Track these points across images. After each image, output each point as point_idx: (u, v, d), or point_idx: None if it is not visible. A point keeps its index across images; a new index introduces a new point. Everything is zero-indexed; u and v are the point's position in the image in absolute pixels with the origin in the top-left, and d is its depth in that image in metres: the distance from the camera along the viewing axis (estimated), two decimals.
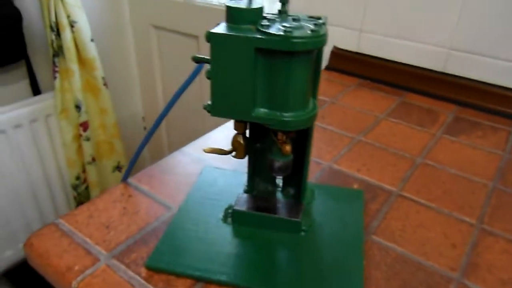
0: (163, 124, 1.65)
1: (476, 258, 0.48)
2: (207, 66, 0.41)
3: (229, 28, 0.38)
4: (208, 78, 0.39)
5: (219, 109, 0.40)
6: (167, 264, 0.44)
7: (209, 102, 0.41)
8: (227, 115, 0.41)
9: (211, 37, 0.37)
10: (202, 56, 0.41)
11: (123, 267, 0.44)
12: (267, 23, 0.37)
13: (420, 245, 0.49)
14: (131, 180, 0.58)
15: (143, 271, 0.44)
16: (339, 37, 0.96)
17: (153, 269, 0.44)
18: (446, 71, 0.85)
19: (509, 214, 0.55)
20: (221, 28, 0.38)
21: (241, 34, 0.36)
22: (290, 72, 0.38)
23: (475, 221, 0.53)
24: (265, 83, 0.39)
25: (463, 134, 0.74)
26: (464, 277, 0.45)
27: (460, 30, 0.81)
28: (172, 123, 1.63)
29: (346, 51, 0.96)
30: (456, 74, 0.84)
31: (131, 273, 0.43)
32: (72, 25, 1.25)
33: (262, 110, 0.40)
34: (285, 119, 0.40)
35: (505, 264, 0.47)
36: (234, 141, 0.46)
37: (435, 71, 0.86)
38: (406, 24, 0.86)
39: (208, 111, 0.41)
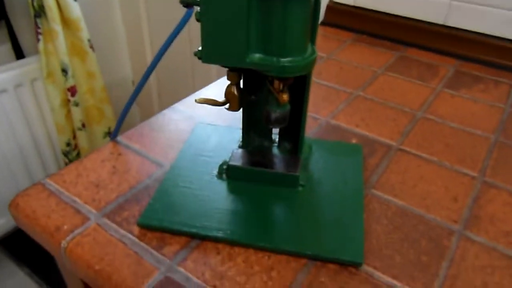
0: (154, 85, 1.61)
1: (478, 210, 0.46)
2: (197, 9, 0.37)
3: None
4: (198, 20, 0.36)
5: (210, 54, 0.37)
6: (161, 222, 0.42)
7: (200, 48, 0.38)
8: (219, 61, 0.38)
9: None
10: None
11: (114, 225, 0.42)
12: None
13: (421, 198, 0.48)
14: (120, 138, 0.55)
15: (136, 229, 0.42)
16: None
17: (146, 226, 0.42)
18: (447, 24, 0.82)
19: (511, 167, 0.53)
20: None
21: None
22: (287, 11, 0.34)
23: (477, 174, 0.52)
24: (260, 25, 0.36)
25: (464, 88, 0.71)
26: (466, 229, 0.44)
27: None
28: (162, 84, 1.59)
29: (343, 4, 0.91)
30: (458, 26, 0.81)
31: (123, 232, 0.42)
32: None
33: (257, 55, 0.37)
34: (281, 64, 0.37)
35: (508, 216, 0.46)
36: (228, 93, 0.43)
37: (436, 24, 0.83)
38: None
39: (199, 58, 0.38)
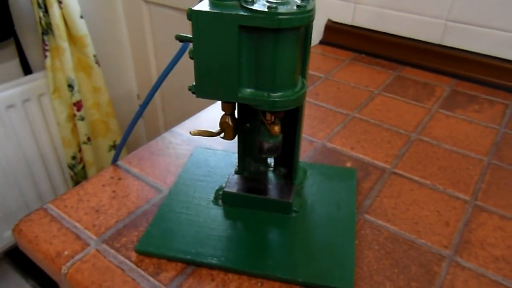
0: (159, 104, 1.63)
1: (469, 235, 0.47)
2: (191, 45, 0.39)
3: (212, 4, 0.36)
4: (191, 58, 0.38)
5: (204, 90, 0.39)
6: (157, 248, 0.43)
7: (194, 83, 0.39)
8: (212, 97, 0.39)
9: (193, 15, 0.35)
10: (185, 35, 0.40)
11: (113, 251, 0.44)
12: None
13: (413, 223, 0.49)
14: (121, 162, 0.57)
15: (133, 255, 0.43)
16: (333, 10, 0.93)
17: (144, 253, 0.43)
18: (444, 44, 0.83)
19: (503, 190, 0.54)
20: (203, 5, 0.36)
21: (224, 11, 0.34)
22: (276, 50, 0.36)
23: (469, 198, 0.53)
24: (250, 62, 0.37)
25: (459, 108, 0.72)
26: (456, 254, 0.45)
27: (457, 0, 0.78)
28: (168, 103, 1.61)
29: (341, 24, 0.93)
30: (454, 46, 0.82)
31: (121, 258, 0.43)
32: (60, 1, 1.21)
33: (249, 90, 0.39)
34: (272, 99, 0.38)
35: (498, 241, 0.47)
36: (222, 122, 0.45)
37: (432, 44, 0.84)
38: None
39: (193, 93, 0.39)
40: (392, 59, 0.88)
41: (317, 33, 0.96)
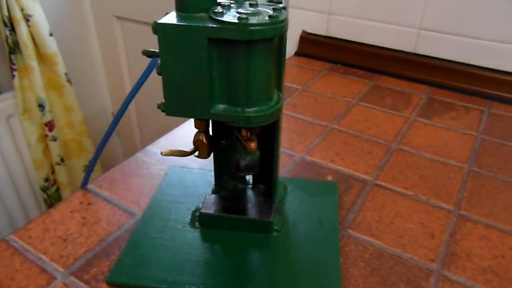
0: (134, 121, 1.60)
1: (455, 246, 0.46)
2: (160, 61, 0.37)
3: (179, 17, 0.34)
4: (159, 73, 0.35)
5: (174, 107, 0.37)
6: (131, 278, 0.40)
7: (163, 100, 0.37)
8: (183, 114, 0.37)
9: (158, 28, 0.33)
10: (153, 50, 0.37)
11: (82, 284, 0.41)
12: (221, 10, 0.34)
13: (398, 237, 0.47)
14: (91, 186, 0.54)
15: (104, 287, 0.40)
16: (307, 21, 0.93)
17: (115, 284, 0.40)
18: (417, 52, 0.83)
19: (485, 198, 0.53)
20: (169, 18, 0.34)
21: (191, 24, 0.33)
22: (249, 63, 0.34)
23: (453, 207, 0.52)
24: (222, 77, 0.35)
25: (437, 115, 0.72)
26: (444, 267, 0.44)
27: (429, 9, 0.79)
28: (144, 119, 1.57)
29: (315, 35, 0.93)
30: (427, 54, 0.82)
31: None
32: (27, 19, 1.17)
33: (222, 106, 0.37)
34: (247, 115, 0.36)
35: (484, 252, 0.45)
36: (196, 140, 0.43)
37: (406, 52, 0.84)
38: (375, 4, 0.83)
39: (162, 110, 0.37)
40: (368, 69, 0.87)
41: (292, 44, 0.95)
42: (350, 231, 0.48)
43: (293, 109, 0.73)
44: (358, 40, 0.88)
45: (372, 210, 0.51)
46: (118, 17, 1.39)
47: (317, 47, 0.92)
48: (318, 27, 0.92)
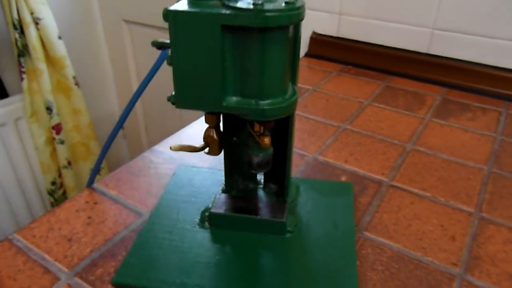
0: (142, 124, 1.59)
1: (478, 250, 0.44)
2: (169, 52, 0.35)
3: (191, 4, 0.32)
4: (170, 64, 0.34)
5: (184, 100, 0.35)
6: (137, 279, 0.38)
7: (173, 93, 0.36)
8: (194, 106, 0.35)
9: (169, 16, 0.31)
10: (163, 41, 0.36)
11: (86, 285, 0.39)
12: None
13: (417, 239, 0.45)
14: (97, 185, 0.52)
15: None
16: (318, 22, 0.91)
17: (121, 285, 0.38)
18: (431, 52, 0.81)
19: (508, 200, 0.51)
20: (181, 5, 0.32)
21: (204, 10, 0.31)
22: (264, 52, 0.33)
23: (474, 210, 0.49)
24: (235, 67, 0.34)
25: (452, 116, 0.70)
26: (467, 272, 0.41)
27: (443, 8, 0.77)
28: (151, 123, 1.56)
29: (326, 36, 0.91)
30: (441, 55, 0.80)
31: None
32: (36, 22, 1.17)
33: (235, 98, 0.35)
34: (261, 107, 0.35)
35: (510, 256, 0.43)
36: (206, 136, 0.41)
37: (419, 53, 0.82)
38: (387, 4, 0.82)
39: (173, 103, 0.36)
40: (380, 70, 0.85)
41: (302, 45, 0.94)
42: (366, 233, 0.46)
43: (304, 110, 0.71)
44: (370, 41, 0.86)
45: (389, 212, 0.49)
46: (126, 21, 1.39)
47: (328, 48, 0.90)
48: (329, 28, 0.90)
